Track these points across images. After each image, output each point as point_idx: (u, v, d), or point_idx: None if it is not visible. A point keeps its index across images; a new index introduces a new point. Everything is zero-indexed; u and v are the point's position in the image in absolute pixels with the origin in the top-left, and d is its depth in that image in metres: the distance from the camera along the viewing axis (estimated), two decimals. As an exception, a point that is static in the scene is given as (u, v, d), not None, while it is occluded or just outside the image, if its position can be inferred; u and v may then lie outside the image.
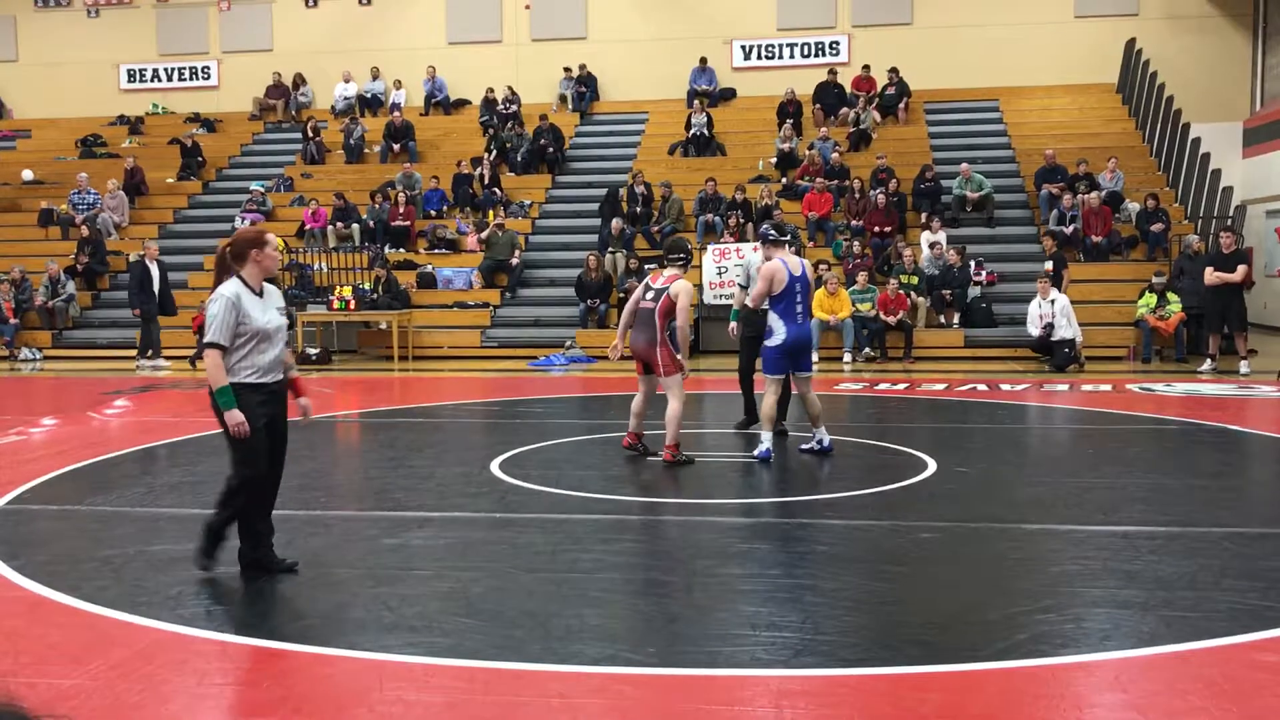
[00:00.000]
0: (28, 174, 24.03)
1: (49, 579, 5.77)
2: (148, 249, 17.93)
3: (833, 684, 4.28)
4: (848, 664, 4.46)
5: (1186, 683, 4.26)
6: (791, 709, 4.04)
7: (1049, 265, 17.34)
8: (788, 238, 9.48)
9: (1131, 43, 23.00)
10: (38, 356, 18.89)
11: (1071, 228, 18.82)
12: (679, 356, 8.54)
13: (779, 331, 8.84)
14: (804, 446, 9.14)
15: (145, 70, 27.28)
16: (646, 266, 18.40)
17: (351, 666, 4.52)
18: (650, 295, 8.62)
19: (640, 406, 8.90)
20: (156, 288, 17.64)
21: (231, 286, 5.61)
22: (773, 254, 8.91)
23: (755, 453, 8.80)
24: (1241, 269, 15.26)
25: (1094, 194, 19.02)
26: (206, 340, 5.49)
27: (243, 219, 21.77)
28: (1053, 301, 15.87)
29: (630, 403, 9.10)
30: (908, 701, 4.11)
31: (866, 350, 16.95)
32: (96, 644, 4.83)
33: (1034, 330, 16.01)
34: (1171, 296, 16.60)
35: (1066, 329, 15.74)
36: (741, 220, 19.18)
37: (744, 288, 10.24)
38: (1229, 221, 17.70)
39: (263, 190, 22.44)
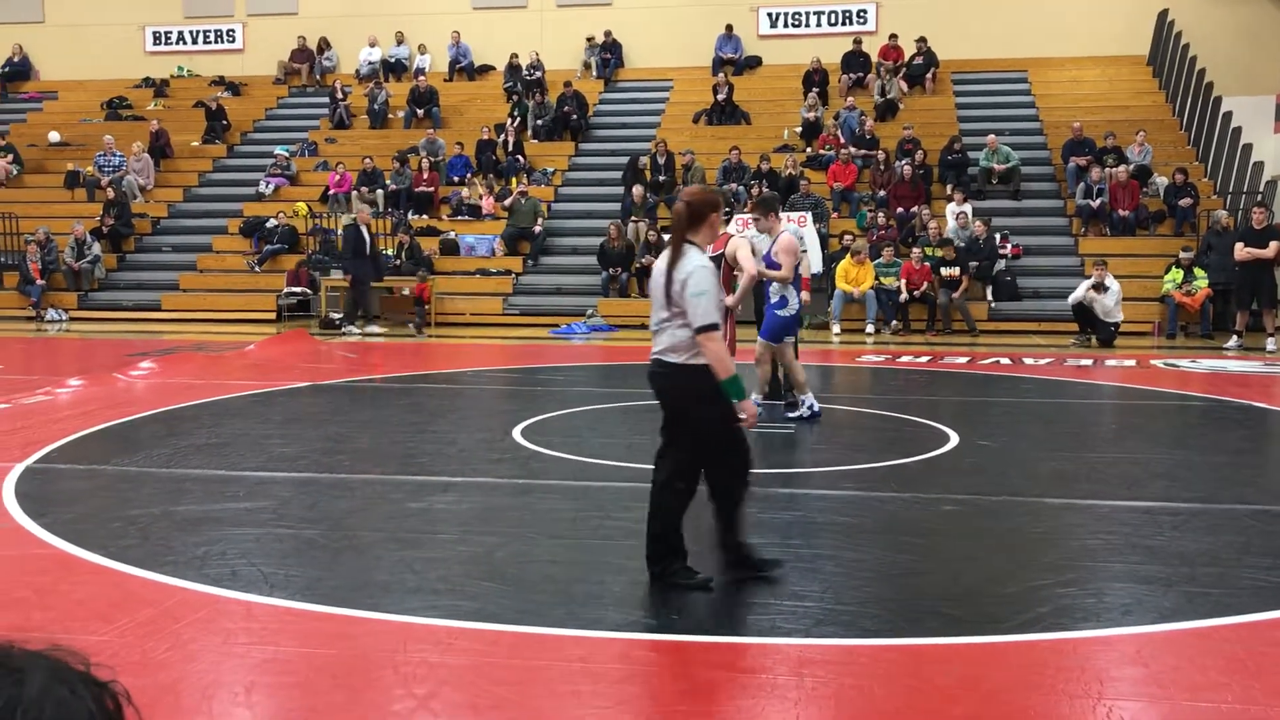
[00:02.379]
0: (54, 136, 24.11)
1: (76, 537, 5.84)
2: (360, 212, 17.75)
3: (853, 653, 4.30)
4: (868, 634, 4.47)
5: (1208, 658, 4.26)
6: (812, 677, 4.06)
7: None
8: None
9: (1163, 14, 22.69)
10: (64, 317, 19.02)
11: (1098, 201, 18.66)
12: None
13: (793, 301, 9.03)
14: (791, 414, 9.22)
15: (171, 33, 27.25)
16: (667, 238, 18.36)
17: (376, 628, 4.57)
18: None
19: None
20: (368, 251, 17.43)
21: (702, 257, 4.91)
22: (773, 225, 8.83)
23: (803, 413, 8.89)
24: (1274, 245, 15.10)
25: (1122, 167, 18.83)
26: (707, 322, 4.76)
27: (267, 183, 21.83)
28: (1106, 289, 15.47)
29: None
30: (928, 672, 4.13)
31: (895, 323, 16.87)
32: (124, 602, 4.90)
33: (1073, 299, 15.66)
34: (1198, 272, 16.44)
35: (1115, 313, 15.46)
36: (765, 190, 19.04)
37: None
38: (1259, 197, 17.50)
39: (287, 154, 22.46)
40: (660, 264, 5.00)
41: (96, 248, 20.04)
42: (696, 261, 4.86)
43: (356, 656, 4.27)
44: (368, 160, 21.19)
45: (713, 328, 4.77)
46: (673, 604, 4.89)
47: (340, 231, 18.38)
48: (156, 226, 21.64)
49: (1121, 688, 4.01)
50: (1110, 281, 15.51)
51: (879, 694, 3.95)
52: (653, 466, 5.14)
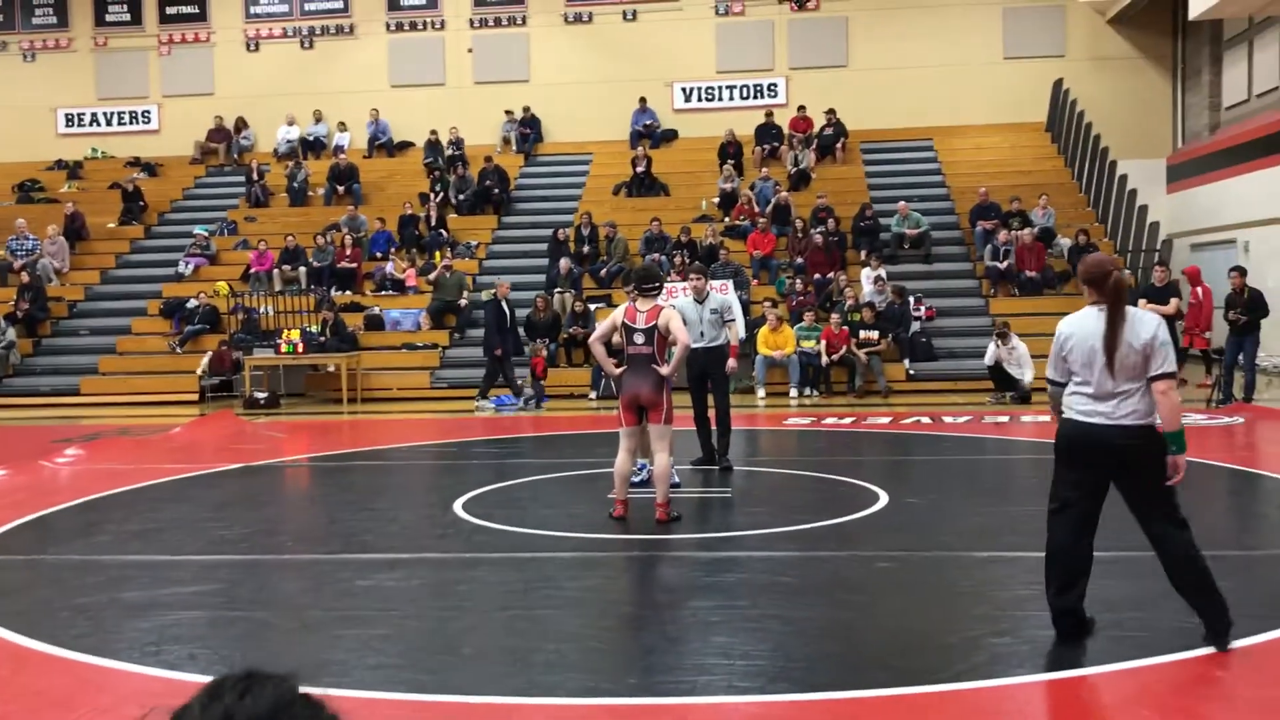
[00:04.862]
0: (-36, 220, 23.71)
1: (26, 628, 5.81)
2: (500, 286, 17.58)
3: (809, 709, 4.49)
4: (820, 689, 4.67)
5: (1138, 698, 4.53)
6: (770, 733, 4.25)
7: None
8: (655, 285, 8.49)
9: (1059, 83, 23.79)
10: (-22, 405, 18.60)
11: (1006, 263, 19.39)
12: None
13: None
14: (636, 479, 9.00)
15: (84, 114, 27.09)
16: (593, 309, 18.65)
17: (342, 705, 4.61)
18: (641, 339, 8.03)
19: (628, 467, 8.21)
20: (509, 325, 17.23)
21: (1145, 312, 5.16)
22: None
23: (644, 476, 9.00)
24: (1174, 301, 15.85)
25: (1027, 230, 19.61)
26: (1171, 370, 4.98)
27: (186, 263, 21.70)
28: (1012, 349, 16.15)
29: (593, 452, 9.21)
30: (879, 722, 4.34)
31: (816, 389, 17.27)
32: (82, 690, 4.91)
33: (989, 360, 16.29)
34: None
35: (1024, 371, 16.06)
36: (688, 259, 19.45)
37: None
38: (1157, 255, 18.35)
39: (206, 234, 22.37)
40: (1091, 328, 5.06)
41: (11, 333, 19.69)
42: (1152, 317, 5.06)
43: (326, 733, 4.35)
44: (290, 238, 21.22)
45: (1174, 376, 4.99)
46: (630, 669, 5.05)
47: (481, 308, 18.03)
48: (73, 310, 21.35)
49: (1059, 728, 4.26)
50: (1015, 341, 16.17)
51: (835, 745, 4.14)
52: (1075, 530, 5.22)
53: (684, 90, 25.49)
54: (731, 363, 10.48)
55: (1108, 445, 5.02)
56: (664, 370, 8.00)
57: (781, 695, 4.59)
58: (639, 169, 23.17)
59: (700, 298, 10.47)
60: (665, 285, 17.32)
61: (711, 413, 10.55)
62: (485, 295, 18.09)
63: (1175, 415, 4.99)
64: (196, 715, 1.41)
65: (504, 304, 17.33)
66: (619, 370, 8.21)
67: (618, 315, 8.30)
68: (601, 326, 8.51)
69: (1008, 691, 4.65)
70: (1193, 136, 23.50)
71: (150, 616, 6.01)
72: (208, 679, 4.43)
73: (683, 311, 10.28)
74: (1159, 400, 4.98)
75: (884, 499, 8.78)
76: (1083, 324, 5.12)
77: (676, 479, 9.30)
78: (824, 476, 10.04)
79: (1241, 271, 16.07)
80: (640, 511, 8.30)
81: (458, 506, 8.83)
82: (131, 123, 27.02)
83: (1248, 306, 15.47)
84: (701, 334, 10.28)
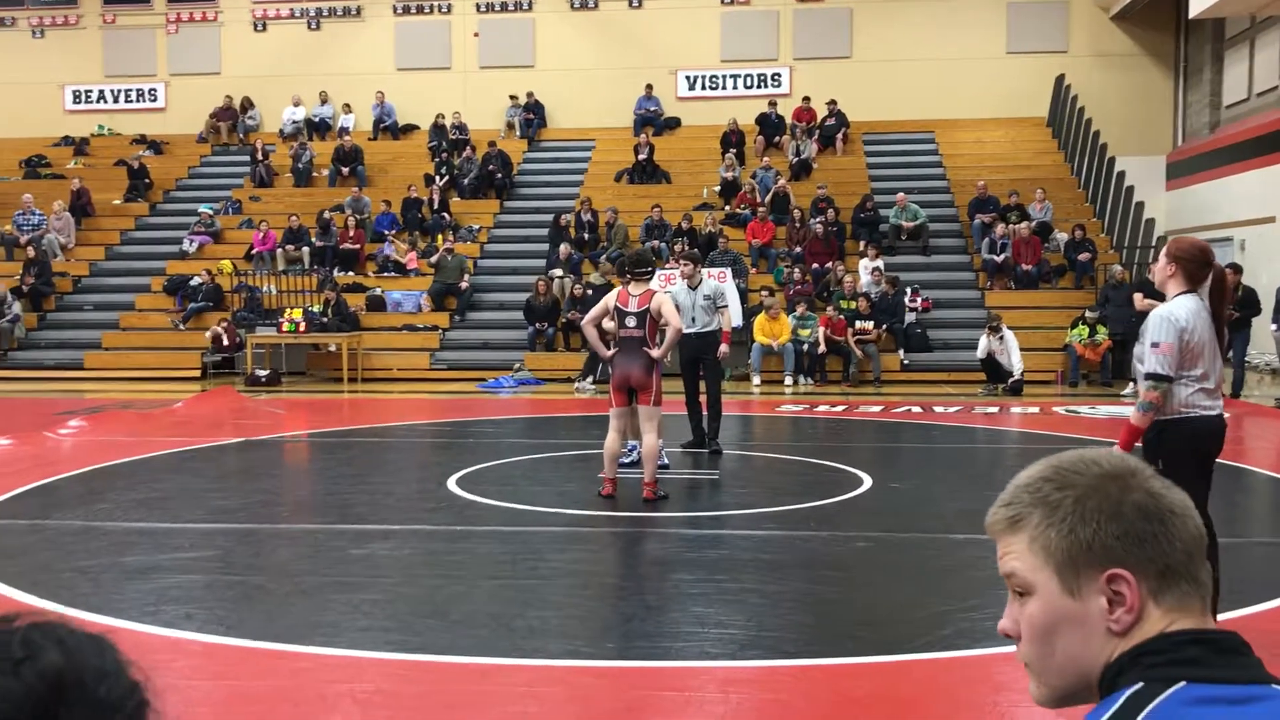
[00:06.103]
0: (-29, 194, 23.91)
1: (29, 587, 6.02)
2: (603, 267, 17.61)
3: (776, 673, 4.70)
4: (789, 656, 4.88)
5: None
6: (738, 695, 4.45)
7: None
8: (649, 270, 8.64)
9: (1061, 78, 23.91)
10: (-17, 377, 18.82)
11: (1002, 256, 19.55)
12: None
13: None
14: (626, 460, 9.16)
15: (91, 91, 27.25)
16: (589, 292, 18.80)
17: (331, 662, 4.86)
18: (633, 322, 8.19)
19: (617, 447, 8.35)
20: None
21: None
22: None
23: (634, 457, 9.18)
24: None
25: (1024, 224, 19.76)
26: None
27: (191, 241, 21.89)
28: (1001, 338, 16.40)
29: (587, 434, 9.40)
30: (843, 687, 4.54)
31: (804, 378, 17.44)
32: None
33: (981, 352, 16.53)
34: (1100, 329, 17.33)
35: (1015, 361, 16.29)
36: (687, 246, 19.60)
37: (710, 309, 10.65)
38: (1152, 252, 18.48)
39: (211, 213, 22.56)
40: (1200, 318, 4.94)
41: (17, 307, 19.91)
42: None
43: (315, 686, 4.56)
44: (293, 218, 21.40)
45: None
46: (609, 635, 5.26)
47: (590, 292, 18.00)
48: (78, 285, 21.56)
49: (1014, 696, 4.46)
50: (1006, 333, 16.41)
51: (799, 707, 4.35)
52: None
53: (688, 78, 25.62)
54: (723, 348, 10.66)
55: (1223, 433, 5.09)
56: (654, 353, 8.19)
57: (751, 661, 4.80)
58: (641, 156, 23.32)
59: (692, 284, 10.65)
60: (661, 272, 17.59)
61: (703, 397, 10.74)
62: (597, 279, 18.12)
63: None
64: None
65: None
66: (610, 353, 8.40)
67: (610, 298, 8.49)
68: (594, 309, 8.71)
69: (970, 661, 4.85)
70: (1193, 134, 23.62)
71: (150, 579, 6.22)
72: (204, 637, 4.65)
73: (675, 297, 10.49)
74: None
75: (868, 483, 8.98)
76: (1189, 312, 4.90)
77: (666, 460, 9.50)
78: (812, 461, 10.24)
79: (1237, 269, 16.26)
80: (629, 490, 8.50)
81: (451, 483, 9.04)
82: (138, 100, 27.18)
83: (1241, 303, 15.66)
84: (694, 319, 10.47)
